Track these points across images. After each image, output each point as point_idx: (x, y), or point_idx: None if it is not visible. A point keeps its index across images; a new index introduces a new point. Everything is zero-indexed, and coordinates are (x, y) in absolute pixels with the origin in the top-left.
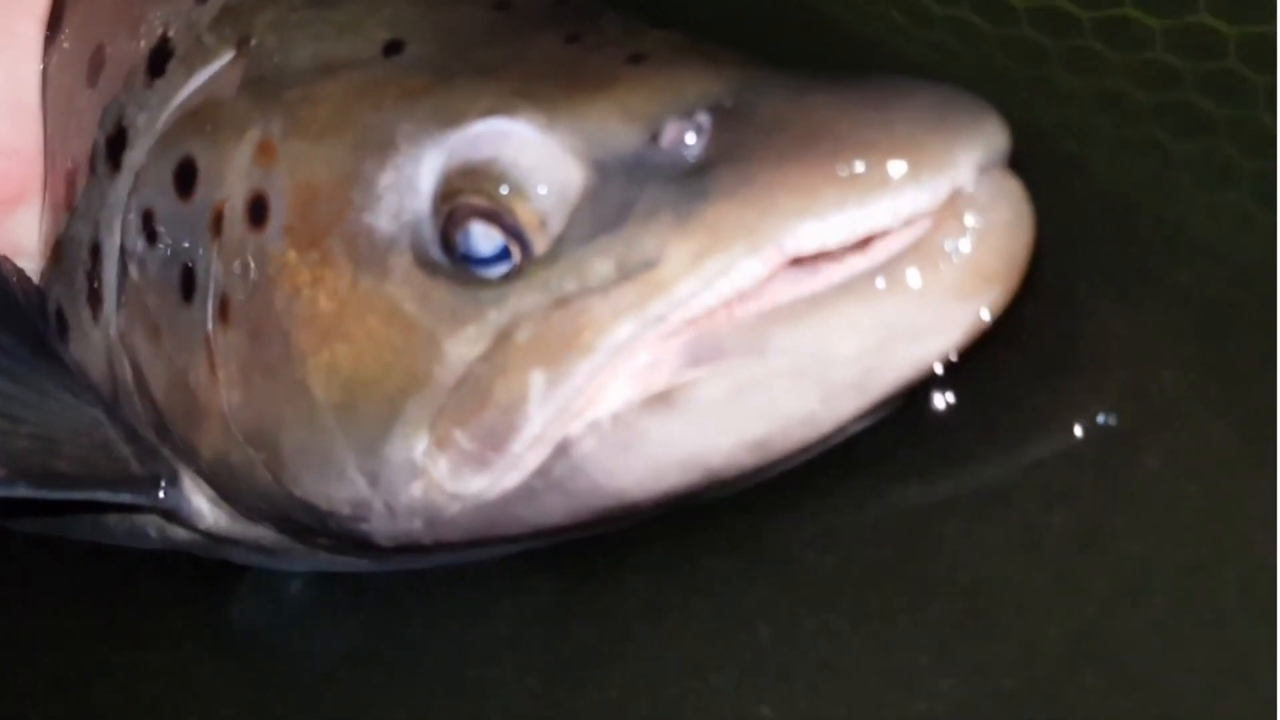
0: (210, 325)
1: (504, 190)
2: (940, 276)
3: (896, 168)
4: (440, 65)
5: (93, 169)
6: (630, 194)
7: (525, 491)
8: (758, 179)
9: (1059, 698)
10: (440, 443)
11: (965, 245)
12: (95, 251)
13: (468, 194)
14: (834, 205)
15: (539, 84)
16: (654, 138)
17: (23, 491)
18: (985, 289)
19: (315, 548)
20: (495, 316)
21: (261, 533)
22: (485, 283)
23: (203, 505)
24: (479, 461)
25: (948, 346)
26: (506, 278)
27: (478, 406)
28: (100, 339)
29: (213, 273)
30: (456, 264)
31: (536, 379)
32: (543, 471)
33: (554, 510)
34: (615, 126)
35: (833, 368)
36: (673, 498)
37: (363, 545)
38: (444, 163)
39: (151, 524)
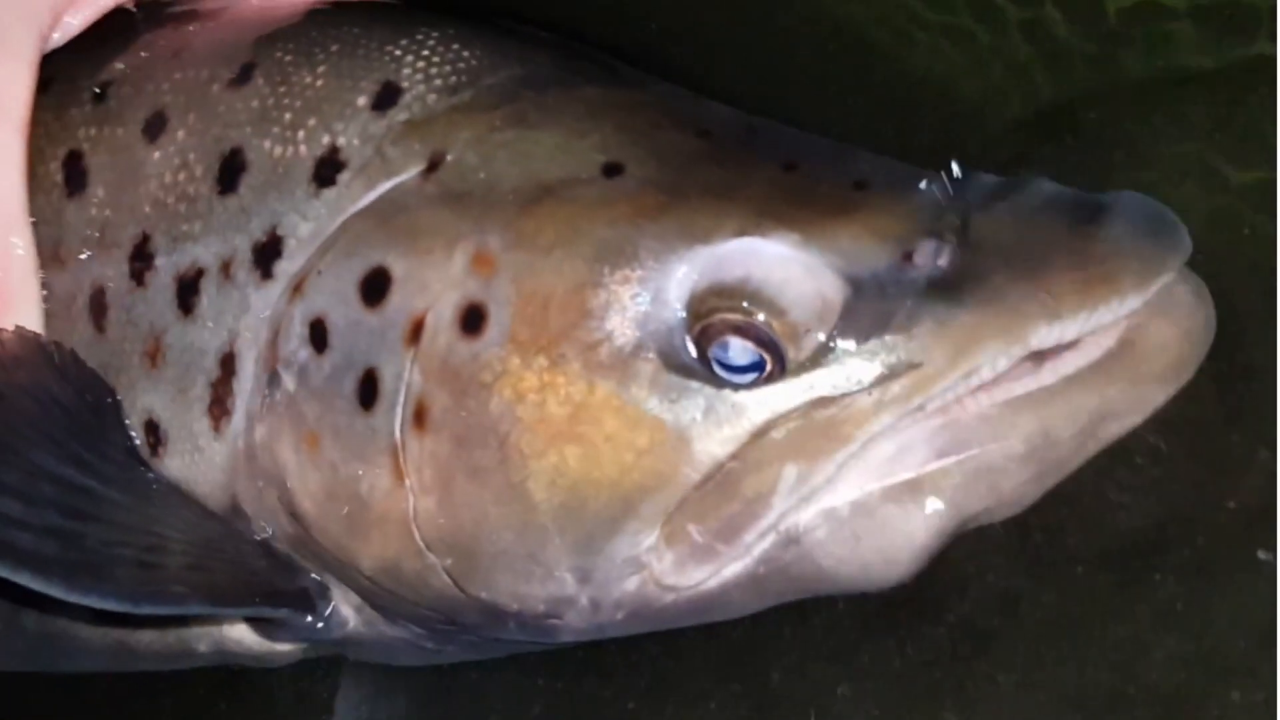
0: (399, 433)
1: (761, 307)
2: (1149, 366)
3: (1123, 281)
4: (669, 186)
5: (227, 275)
6: (888, 305)
7: (742, 580)
8: (1008, 291)
9: None
10: (670, 538)
11: (1170, 336)
12: (228, 361)
13: (723, 311)
14: (1072, 313)
15: (781, 206)
16: (907, 256)
17: (195, 609)
18: (1179, 375)
19: (449, 644)
20: (749, 417)
21: (395, 635)
22: (739, 385)
23: (348, 613)
24: (707, 554)
25: (1139, 422)
26: (762, 380)
27: (722, 502)
28: (221, 452)
29: (405, 380)
30: (708, 370)
31: (790, 472)
32: (766, 559)
33: (763, 596)
34: (869, 246)
35: (1055, 448)
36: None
37: (520, 638)
38: (695, 279)
39: (205, 638)
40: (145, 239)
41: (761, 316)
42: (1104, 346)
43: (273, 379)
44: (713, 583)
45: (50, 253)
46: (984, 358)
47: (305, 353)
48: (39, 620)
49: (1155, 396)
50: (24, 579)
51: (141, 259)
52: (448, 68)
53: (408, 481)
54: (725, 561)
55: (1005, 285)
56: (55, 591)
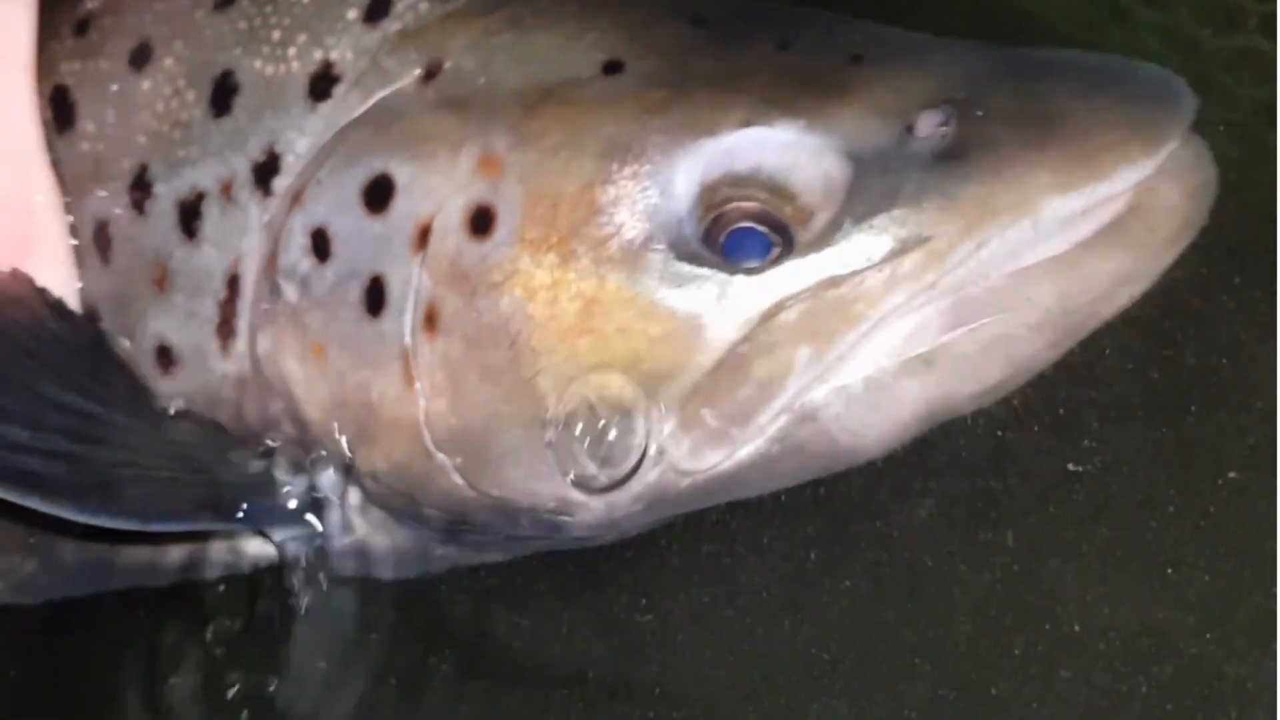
0: (409, 337)
1: (770, 193)
2: (1159, 229)
3: (1133, 148)
4: (670, 80)
5: (228, 195)
6: (893, 181)
7: (758, 459)
8: (1018, 161)
9: None
10: (685, 424)
11: (1177, 200)
12: (234, 281)
13: (735, 200)
14: (1083, 182)
15: (780, 91)
16: (908, 130)
17: (204, 525)
18: (1186, 234)
19: (455, 545)
20: (760, 299)
21: (402, 539)
22: (749, 270)
23: (356, 521)
24: (722, 437)
25: (1149, 284)
26: (770, 263)
27: (735, 385)
28: (230, 370)
29: (414, 285)
30: (718, 256)
31: (802, 353)
32: (780, 438)
33: (780, 474)
34: (870, 123)
35: (1070, 315)
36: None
37: (532, 534)
38: (703, 171)
39: (223, 548)
40: (143, 168)
41: (772, 202)
42: (1114, 211)
43: (274, 290)
44: (728, 464)
45: None
46: (994, 229)
47: (307, 263)
48: (77, 548)
49: (1165, 257)
50: (33, 502)
51: (141, 188)
52: None
53: (418, 385)
54: (740, 443)
55: (1013, 155)
56: (65, 512)
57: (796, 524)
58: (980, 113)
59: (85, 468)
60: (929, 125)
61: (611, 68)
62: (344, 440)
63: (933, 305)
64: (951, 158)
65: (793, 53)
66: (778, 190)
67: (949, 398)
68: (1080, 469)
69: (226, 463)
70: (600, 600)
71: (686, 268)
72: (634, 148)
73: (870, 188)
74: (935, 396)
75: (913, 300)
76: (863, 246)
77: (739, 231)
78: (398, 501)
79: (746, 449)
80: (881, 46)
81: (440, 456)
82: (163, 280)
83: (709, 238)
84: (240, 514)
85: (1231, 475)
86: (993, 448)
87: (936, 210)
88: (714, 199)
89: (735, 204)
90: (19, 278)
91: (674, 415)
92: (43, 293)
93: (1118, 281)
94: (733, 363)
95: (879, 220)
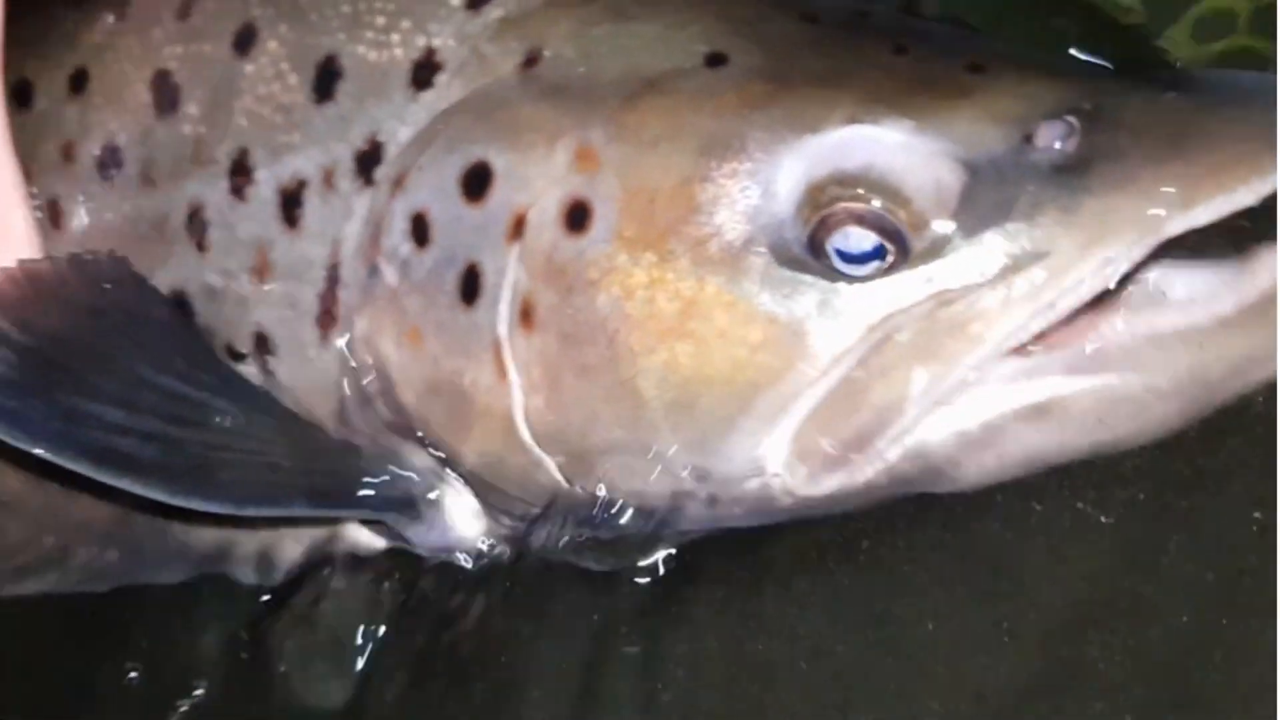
0: (503, 328)
1: (881, 195)
2: None
3: (1263, 160)
4: (775, 75)
5: (329, 184)
6: (1009, 192)
7: (866, 484)
8: (1140, 175)
9: None
10: (803, 453)
11: None
12: (334, 270)
13: (844, 200)
14: (1209, 195)
15: (893, 91)
16: (1027, 139)
17: (298, 510)
18: None
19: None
20: (868, 312)
21: (498, 529)
22: (856, 279)
23: (454, 513)
24: (839, 464)
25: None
26: (880, 273)
27: (850, 411)
28: (329, 359)
29: (509, 277)
30: (824, 262)
31: (919, 376)
32: (891, 467)
33: (881, 495)
34: (987, 129)
35: (1202, 387)
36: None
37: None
38: (808, 169)
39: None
40: (244, 153)
41: (883, 203)
42: (1259, 289)
43: (373, 273)
44: (839, 489)
45: (139, 174)
46: (1117, 246)
47: (407, 247)
48: (154, 536)
49: None
50: (126, 483)
51: (241, 173)
52: None
53: (512, 378)
54: (857, 471)
55: (1135, 169)
56: (158, 495)
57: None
58: (1103, 125)
59: (180, 450)
60: (1050, 136)
61: (714, 60)
62: (437, 427)
63: (1059, 351)
64: (1072, 170)
65: (908, 57)
66: (889, 193)
67: (1063, 449)
68: None
69: (322, 449)
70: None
71: (789, 273)
72: (735, 143)
73: (985, 198)
74: (1050, 446)
75: (1032, 321)
76: (977, 260)
77: (847, 234)
78: (493, 494)
79: (861, 475)
80: (1002, 57)
81: (539, 452)
82: (263, 269)
83: (814, 242)
84: (334, 501)
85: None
86: None
87: (1054, 224)
88: (820, 199)
89: (843, 204)
90: (118, 261)
91: (790, 439)
92: (140, 278)
93: (1255, 360)
94: (849, 388)
95: (994, 233)
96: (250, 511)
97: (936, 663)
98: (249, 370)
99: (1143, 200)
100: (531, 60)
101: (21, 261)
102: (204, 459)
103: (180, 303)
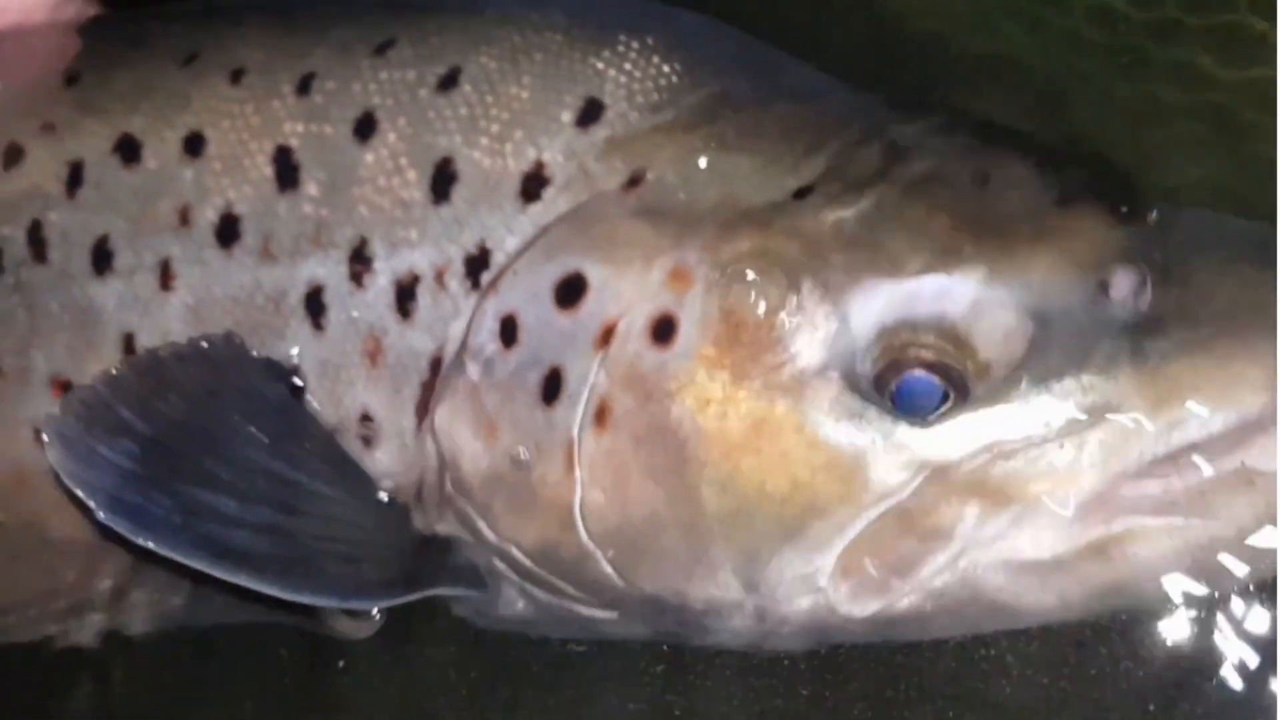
0: (578, 428)
1: (950, 343)
2: None
3: None
4: (859, 215)
5: (441, 284)
6: (1081, 343)
7: (913, 611)
8: (1223, 346)
9: None
10: (846, 570)
11: None
12: (437, 363)
13: (911, 347)
14: None
15: (972, 235)
16: (1103, 288)
17: (394, 599)
18: None
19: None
20: (928, 451)
21: (551, 615)
22: (918, 420)
23: (514, 594)
24: (882, 586)
25: None
26: (941, 416)
27: (897, 537)
28: (421, 446)
29: (591, 381)
30: (888, 401)
31: (970, 514)
32: (940, 595)
33: (931, 627)
34: (1061, 279)
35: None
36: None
37: (678, 631)
38: (882, 311)
39: None
40: (364, 242)
41: (950, 352)
42: None
43: (457, 365)
44: (884, 614)
45: (259, 247)
46: (1193, 416)
47: (494, 346)
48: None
49: None
50: (240, 579)
51: (360, 261)
52: (649, 84)
53: (578, 474)
54: (900, 595)
55: (1218, 338)
56: (271, 590)
57: None
58: (1174, 281)
59: (291, 543)
60: (1124, 287)
61: (803, 193)
62: (499, 513)
63: (1123, 487)
64: (1146, 327)
65: (990, 190)
66: (958, 342)
67: (1121, 591)
68: None
69: (416, 535)
70: None
71: (856, 405)
72: (815, 280)
73: (1055, 347)
74: (1109, 587)
75: (1096, 477)
76: (1041, 411)
77: (912, 378)
78: (545, 584)
79: (906, 601)
80: (1081, 195)
81: (592, 546)
82: (375, 354)
83: (880, 381)
84: (424, 585)
85: None
86: None
87: (1128, 382)
88: (892, 342)
89: (912, 350)
90: (232, 339)
91: (834, 555)
92: (256, 357)
93: None
94: (900, 512)
95: (1062, 385)
96: (354, 604)
97: None
98: (352, 450)
99: (1224, 373)
100: (635, 181)
101: (146, 350)
102: (314, 550)
103: (292, 377)
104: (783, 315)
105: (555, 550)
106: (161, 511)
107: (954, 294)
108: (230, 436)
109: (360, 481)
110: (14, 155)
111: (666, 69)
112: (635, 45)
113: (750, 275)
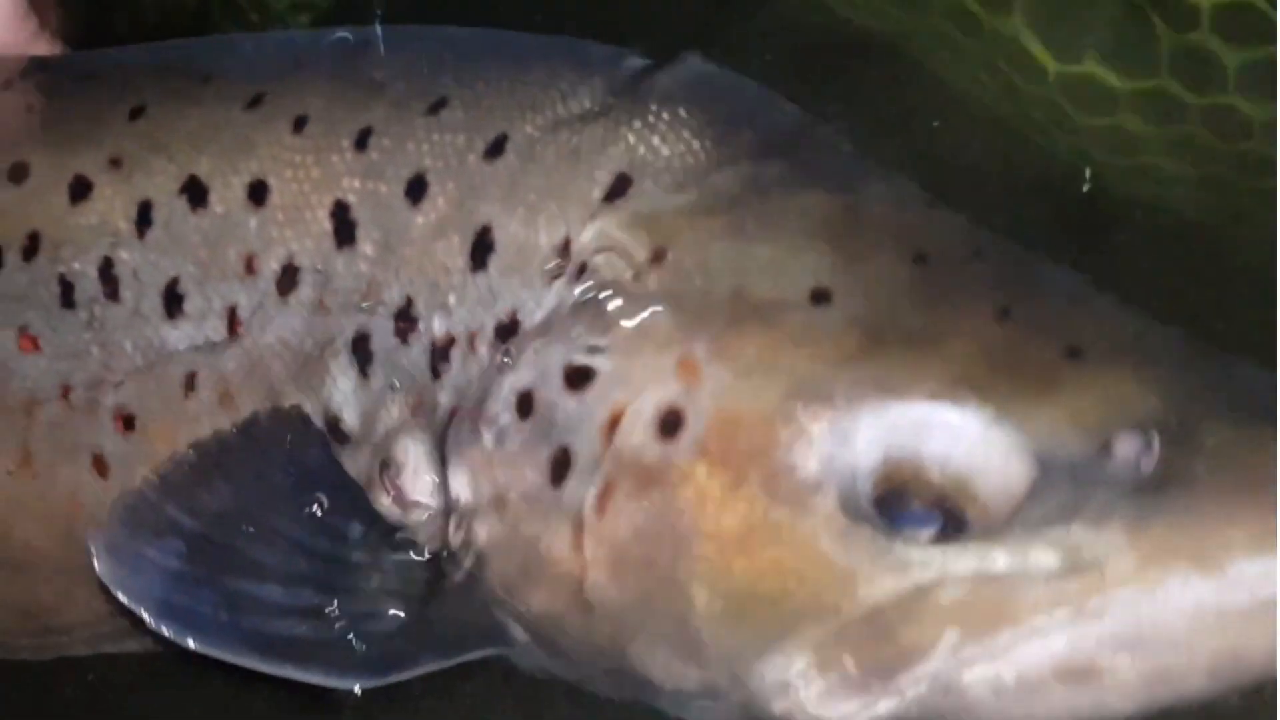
0: (586, 509)
1: (951, 483)
2: None
3: None
4: (872, 327)
5: (472, 348)
6: (1077, 496)
7: (889, 716)
8: (1214, 510)
9: None
10: (823, 665)
11: None
12: (460, 424)
13: (915, 482)
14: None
15: (983, 371)
16: (1105, 447)
17: (426, 667)
18: None
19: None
20: (917, 573)
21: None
22: (912, 541)
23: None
24: (859, 688)
25: None
26: (934, 541)
27: (878, 642)
28: (445, 504)
29: (599, 466)
30: (884, 521)
31: (950, 635)
32: (919, 705)
33: None
34: (1066, 431)
35: (1242, 666)
36: None
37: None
38: (886, 439)
39: None
40: (410, 301)
41: (952, 492)
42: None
43: (473, 432)
44: (857, 717)
45: (314, 300)
46: (1174, 578)
47: (508, 417)
48: None
49: None
50: (288, 672)
51: (406, 320)
52: (677, 162)
53: (583, 552)
54: (876, 699)
55: (1210, 501)
56: (315, 680)
57: None
58: (1185, 447)
59: (331, 624)
60: (1129, 450)
61: (819, 297)
62: (510, 579)
63: (1099, 625)
64: (1147, 488)
65: (1009, 324)
66: (959, 484)
67: (1100, 710)
68: None
69: (448, 600)
70: None
71: (850, 521)
72: (822, 392)
73: (1053, 497)
74: (1087, 708)
75: (1075, 621)
76: (1032, 554)
77: (908, 505)
78: (547, 646)
79: (882, 707)
80: (1106, 340)
81: (595, 619)
82: (417, 407)
83: (879, 504)
84: (456, 651)
85: None
86: None
87: (1116, 538)
88: (895, 473)
89: (915, 485)
90: (280, 413)
91: (811, 655)
92: (307, 423)
93: None
94: (879, 620)
95: (1055, 533)
96: (394, 678)
97: None
98: (378, 498)
99: (1211, 538)
100: (655, 261)
101: (193, 444)
102: (356, 630)
103: (335, 422)
104: (783, 425)
105: (561, 619)
106: (209, 610)
107: (960, 433)
108: (274, 518)
109: (398, 545)
110: (81, 189)
111: (696, 145)
112: (668, 117)
113: (756, 378)
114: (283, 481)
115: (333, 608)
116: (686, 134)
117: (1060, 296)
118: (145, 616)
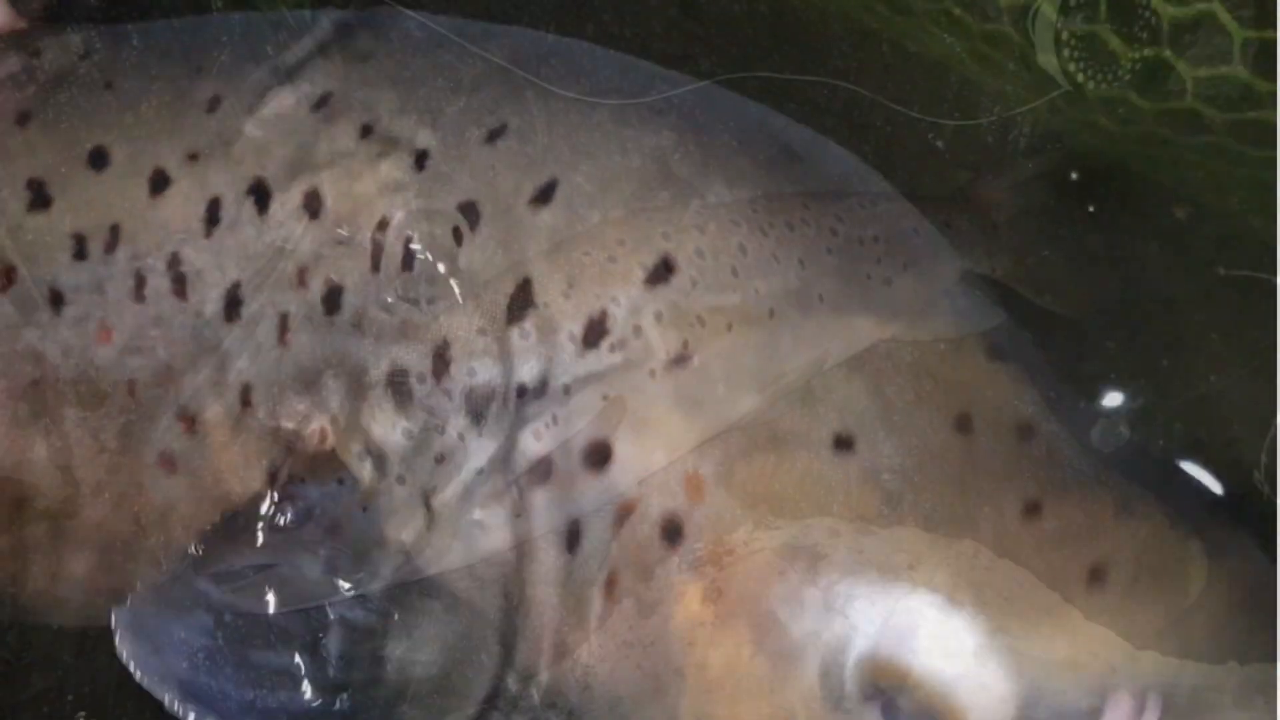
0: (594, 587)
1: (941, 700)
2: None
3: None
4: (892, 495)
5: (504, 403)
6: None
7: None
8: None
9: None
10: None
11: None
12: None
13: (905, 691)
14: None
15: (990, 583)
16: (1094, 712)
17: None
18: None
19: None
20: None
21: None
22: None
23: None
24: None
25: None
26: None
27: None
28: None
29: (608, 550)
30: (868, 707)
31: None
32: None
33: None
34: (1064, 679)
35: None
36: None
37: None
38: (878, 640)
39: None
40: (446, 345)
41: (940, 706)
42: None
43: (496, 486)
44: None
45: (352, 321)
46: None
47: (527, 480)
48: None
49: None
50: None
51: (442, 363)
52: (724, 258)
53: (587, 630)
54: None
55: None
56: None
57: None
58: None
59: (367, 697)
60: (1118, 714)
61: (841, 444)
62: (520, 640)
63: None
64: None
65: (1035, 526)
66: (950, 700)
67: None
68: None
69: (459, 647)
70: None
71: (831, 697)
72: (823, 555)
73: None
74: None
75: None
76: None
77: (893, 705)
78: (551, 709)
79: None
80: (1137, 565)
81: (587, 694)
82: (443, 458)
83: (863, 694)
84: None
85: None
86: None
87: None
88: (884, 678)
89: (905, 694)
90: (319, 454)
91: None
92: (343, 466)
93: None
94: None
95: None
96: None
97: None
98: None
99: None
100: (681, 359)
101: (227, 514)
102: (385, 695)
103: (377, 456)
104: (779, 577)
105: (559, 684)
106: (234, 689)
107: (958, 654)
108: (297, 581)
109: (418, 594)
110: (160, 182)
111: (746, 245)
112: (728, 202)
113: (759, 516)
114: (310, 534)
115: (369, 678)
116: (743, 227)
117: (1104, 492)
118: (168, 703)
